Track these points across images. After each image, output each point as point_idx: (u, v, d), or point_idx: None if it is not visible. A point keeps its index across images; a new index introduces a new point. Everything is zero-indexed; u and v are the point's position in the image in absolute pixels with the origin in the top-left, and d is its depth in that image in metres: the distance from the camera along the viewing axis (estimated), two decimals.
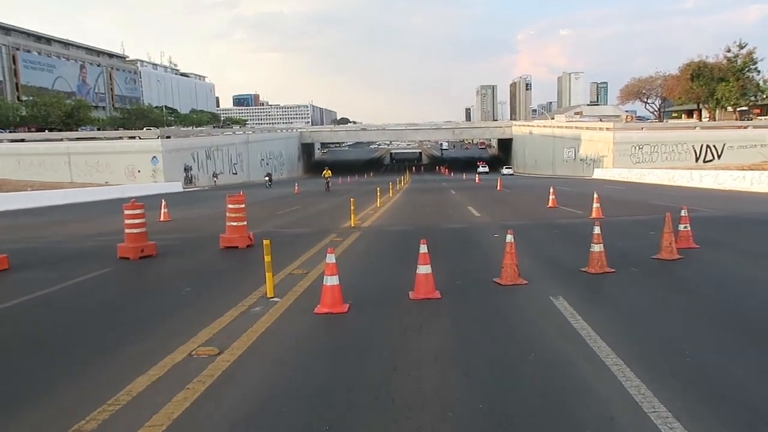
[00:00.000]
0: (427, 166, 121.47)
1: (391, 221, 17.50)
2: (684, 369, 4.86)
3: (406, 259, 9.31)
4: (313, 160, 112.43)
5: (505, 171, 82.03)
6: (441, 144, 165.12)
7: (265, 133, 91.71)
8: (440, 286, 7.56)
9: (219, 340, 5.87)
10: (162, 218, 19.96)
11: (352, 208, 16.82)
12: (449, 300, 7.19)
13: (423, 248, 7.29)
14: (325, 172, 41.95)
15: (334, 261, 6.78)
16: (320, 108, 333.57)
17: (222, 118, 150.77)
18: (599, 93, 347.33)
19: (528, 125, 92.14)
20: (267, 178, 52.65)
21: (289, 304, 7.25)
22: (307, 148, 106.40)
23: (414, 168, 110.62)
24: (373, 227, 15.88)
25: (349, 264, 9.83)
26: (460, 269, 9.26)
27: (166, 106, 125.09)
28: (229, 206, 12.39)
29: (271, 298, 7.48)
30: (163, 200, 21.67)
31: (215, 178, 59.40)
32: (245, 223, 12.47)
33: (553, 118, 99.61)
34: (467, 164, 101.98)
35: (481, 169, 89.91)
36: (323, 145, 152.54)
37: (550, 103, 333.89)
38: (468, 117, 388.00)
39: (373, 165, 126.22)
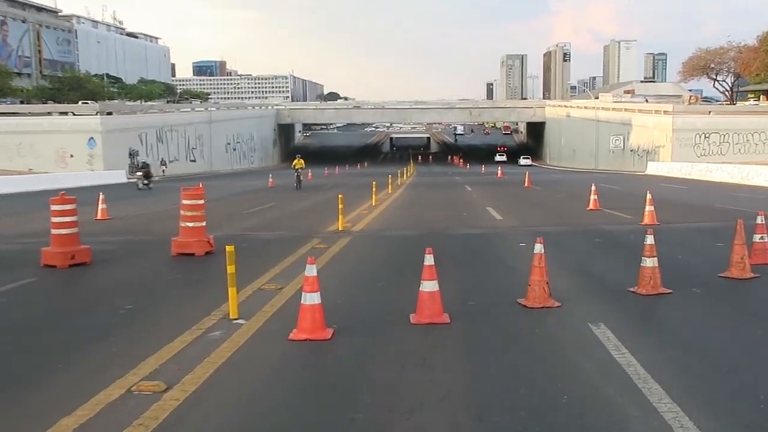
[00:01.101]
0: (437, 156, 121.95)
1: (389, 224, 17.64)
2: (759, 419, 4.78)
3: (407, 273, 9.38)
4: (292, 146, 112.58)
5: (522, 161, 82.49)
6: (455, 128, 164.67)
7: (232, 110, 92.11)
8: (449, 307, 7.59)
9: (167, 373, 5.81)
10: (99, 216, 19.96)
11: (340, 206, 16.91)
12: (460, 325, 7.21)
13: (429, 259, 7.32)
14: (295, 161, 38.21)
15: (315, 274, 6.79)
16: (303, 80, 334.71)
17: (179, 91, 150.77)
18: (656, 67, 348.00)
19: (565, 106, 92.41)
20: (140, 174, 39.19)
21: (258, 327, 7.23)
22: (285, 130, 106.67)
23: (420, 157, 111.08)
24: (366, 232, 15.99)
25: (335, 278, 9.87)
26: (476, 287, 9.30)
27: (107, 74, 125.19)
28: (185, 202, 12.36)
29: (235, 319, 7.46)
30: (101, 193, 21.64)
31: (163, 167, 58.91)
32: (204, 223, 12.47)
33: (597, 98, 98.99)
34: (488, 154, 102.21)
35: (498, 158, 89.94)
36: (306, 126, 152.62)
37: (594, 78, 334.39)
38: (490, 94, 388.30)
39: (368, 153, 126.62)
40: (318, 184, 40.74)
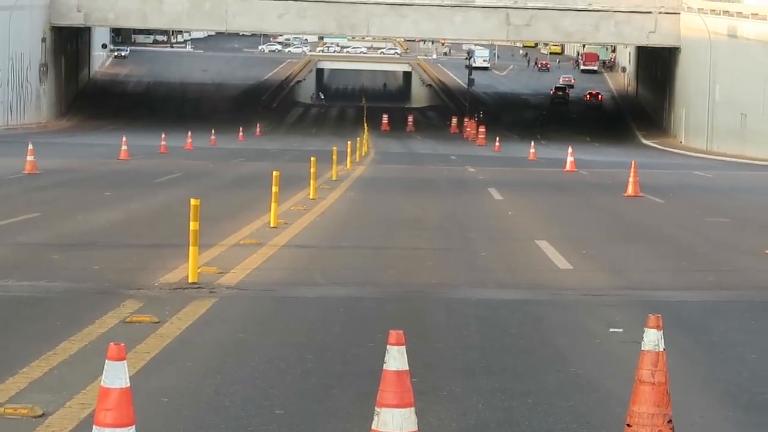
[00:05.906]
0: (426, 115, 74.97)
1: (305, 270, 10.97)
2: None
3: (342, 389, 5.86)
4: (86, 79, 68.49)
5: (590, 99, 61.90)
6: (470, 54, 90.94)
7: None
8: None
9: None
10: None
11: (192, 226, 9.52)
12: None
13: (395, 357, 3.84)
14: None
15: (126, 384, 3.50)
16: None
17: None
18: None
19: (727, 12, 55.13)
20: None
21: None
22: (69, 42, 63.87)
23: (387, 118, 65.58)
24: (251, 286, 9.59)
25: (177, 398, 5.60)
26: (505, 424, 5.18)
27: None
28: None
29: None
30: None
31: None
32: None
33: None
34: (538, 114, 63.35)
35: (558, 90, 67.44)
36: (119, 36, 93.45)
37: None
38: None
39: (266, 104, 77.57)
40: (143, 172, 25.74)
